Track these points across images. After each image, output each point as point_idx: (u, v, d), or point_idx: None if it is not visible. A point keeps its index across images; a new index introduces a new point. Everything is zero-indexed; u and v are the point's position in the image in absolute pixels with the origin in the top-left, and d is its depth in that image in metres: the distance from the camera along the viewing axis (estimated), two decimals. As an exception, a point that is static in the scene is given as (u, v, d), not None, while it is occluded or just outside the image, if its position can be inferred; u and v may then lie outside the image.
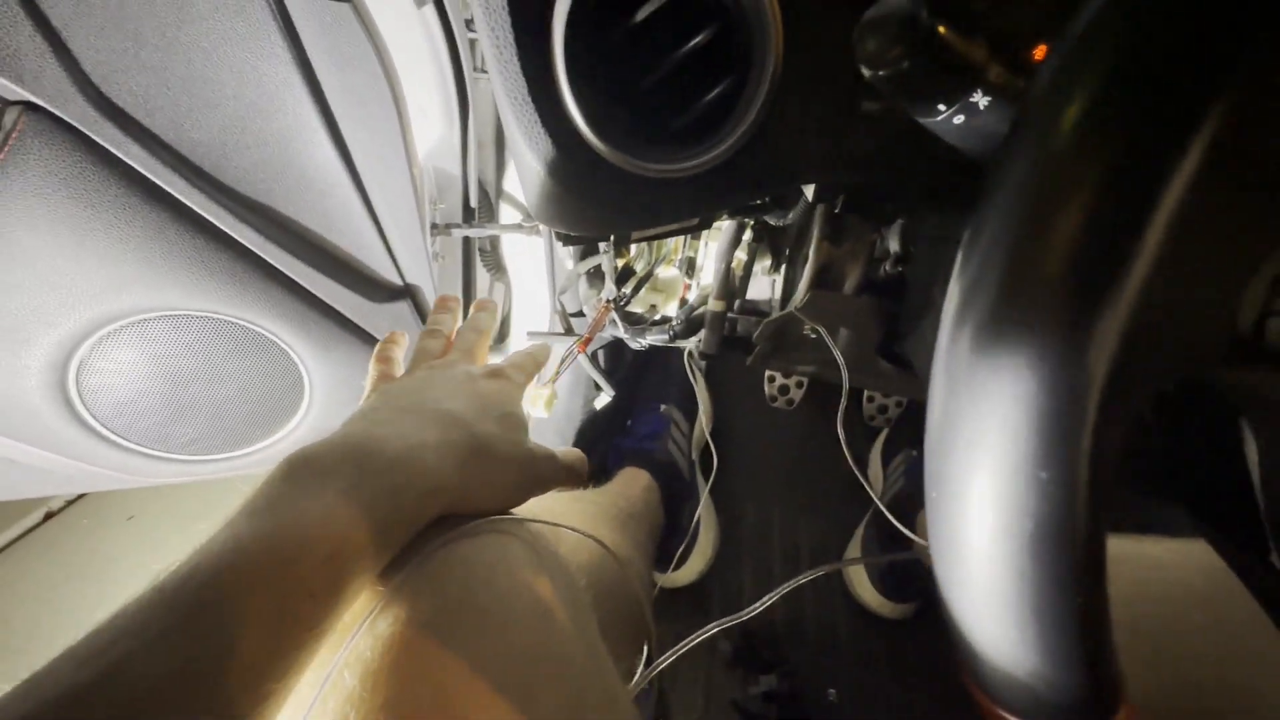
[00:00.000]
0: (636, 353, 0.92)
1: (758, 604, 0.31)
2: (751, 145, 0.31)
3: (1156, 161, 0.12)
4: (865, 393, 0.92)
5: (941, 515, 0.15)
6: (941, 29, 0.20)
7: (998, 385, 0.13)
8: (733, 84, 0.31)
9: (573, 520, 0.43)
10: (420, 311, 0.63)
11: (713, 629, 0.33)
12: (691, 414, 0.90)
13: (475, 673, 0.23)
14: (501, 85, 0.28)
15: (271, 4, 0.47)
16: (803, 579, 0.32)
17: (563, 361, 0.49)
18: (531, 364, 0.43)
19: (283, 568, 0.21)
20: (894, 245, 0.45)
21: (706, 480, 0.88)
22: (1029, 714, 0.16)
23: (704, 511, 0.82)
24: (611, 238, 0.39)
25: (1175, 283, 0.12)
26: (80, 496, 1.09)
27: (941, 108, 0.21)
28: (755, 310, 0.62)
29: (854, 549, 0.86)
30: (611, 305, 0.54)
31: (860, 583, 0.83)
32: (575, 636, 0.27)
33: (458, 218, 0.66)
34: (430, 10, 0.50)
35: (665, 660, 0.33)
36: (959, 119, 0.21)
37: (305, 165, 0.54)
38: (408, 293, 0.63)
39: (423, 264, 0.63)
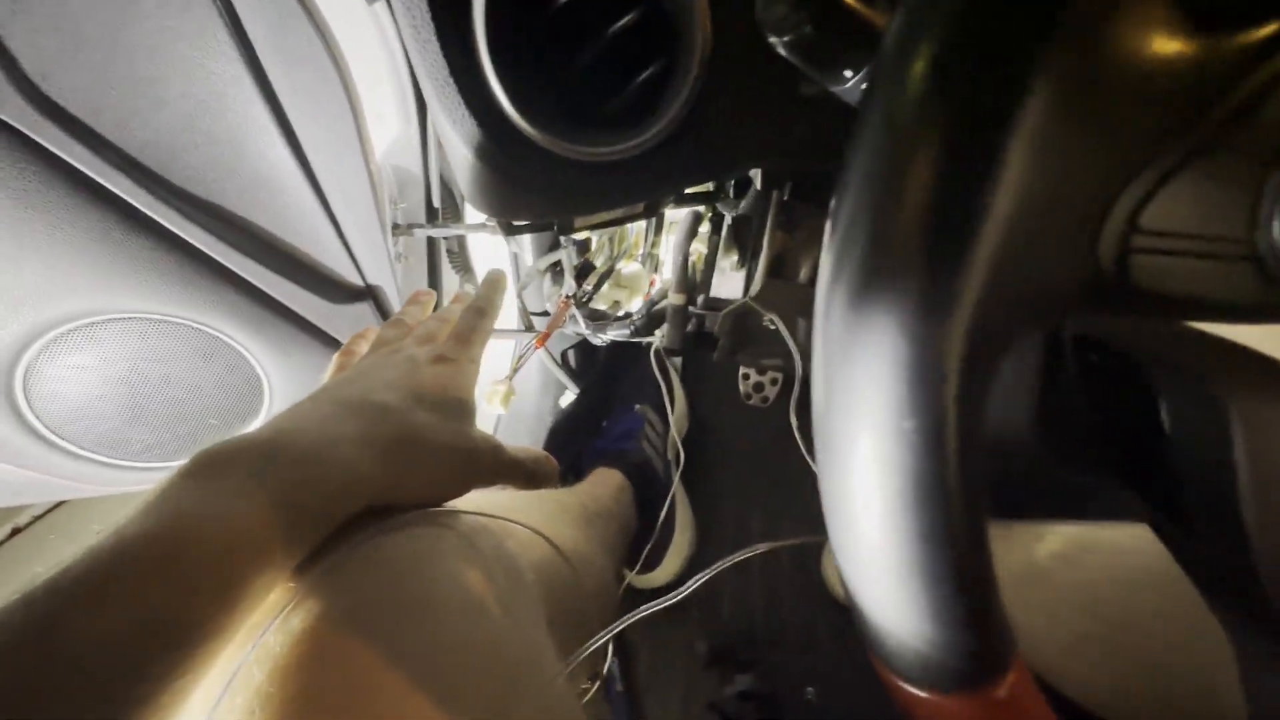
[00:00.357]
0: (610, 353, 0.91)
1: (692, 581, 0.30)
2: (685, 129, 0.31)
3: (996, 113, 0.12)
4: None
5: (827, 480, 0.15)
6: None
7: (865, 344, 0.13)
8: (664, 67, 0.30)
9: (529, 517, 0.42)
10: (383, 312, 0.62)
11: (645, 610, 0.32)
12: (666, 413, 0.89)
13: (392, 665, 0.22)
14: (423, 66, 0.27)
15: (217, 2, 0.46)
16: (738, 557, 0.32)
17: (520, 358, 0.48)
18: (480, 339, 0.41)
19: (162, 564, 0.20)
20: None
21: (686, 480, 0.87)
22: (921, 681, 0.15)
23: (679, 510, 0.82)
24: (555, 226, 0.38)
25: (1028, 229, 0.12)
26: (47, 512, 1.07)
27: (848, 74, 0.20)
28: (722, 306, 0.62)
29: (829, 547, 0.86)
30: (571, 301, 0.54)
31: (837, 580, 0.83)
32: (509, 627, 0.27)
33: (421, 218, 0.66)
34: (382, 7, 0.50)
35: (602, 639, 0.32)
36: (865, 86, 0.21)
37: (257, 164, 0.53)
38: (369, 293, 0.62)
39: (384, 264, 0.62)
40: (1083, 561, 0.55)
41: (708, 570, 0.30)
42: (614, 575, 0.57)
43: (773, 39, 0.21)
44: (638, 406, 0.86)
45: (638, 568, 0.77)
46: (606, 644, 0.56)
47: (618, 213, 0.36)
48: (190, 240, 0.51)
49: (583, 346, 0.81)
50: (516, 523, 0.37)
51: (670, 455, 0.89)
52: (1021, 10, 0.11)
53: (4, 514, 0.95)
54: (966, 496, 0.13)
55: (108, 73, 0.46)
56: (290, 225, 0.56)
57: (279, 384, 0.60)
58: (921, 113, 0.12)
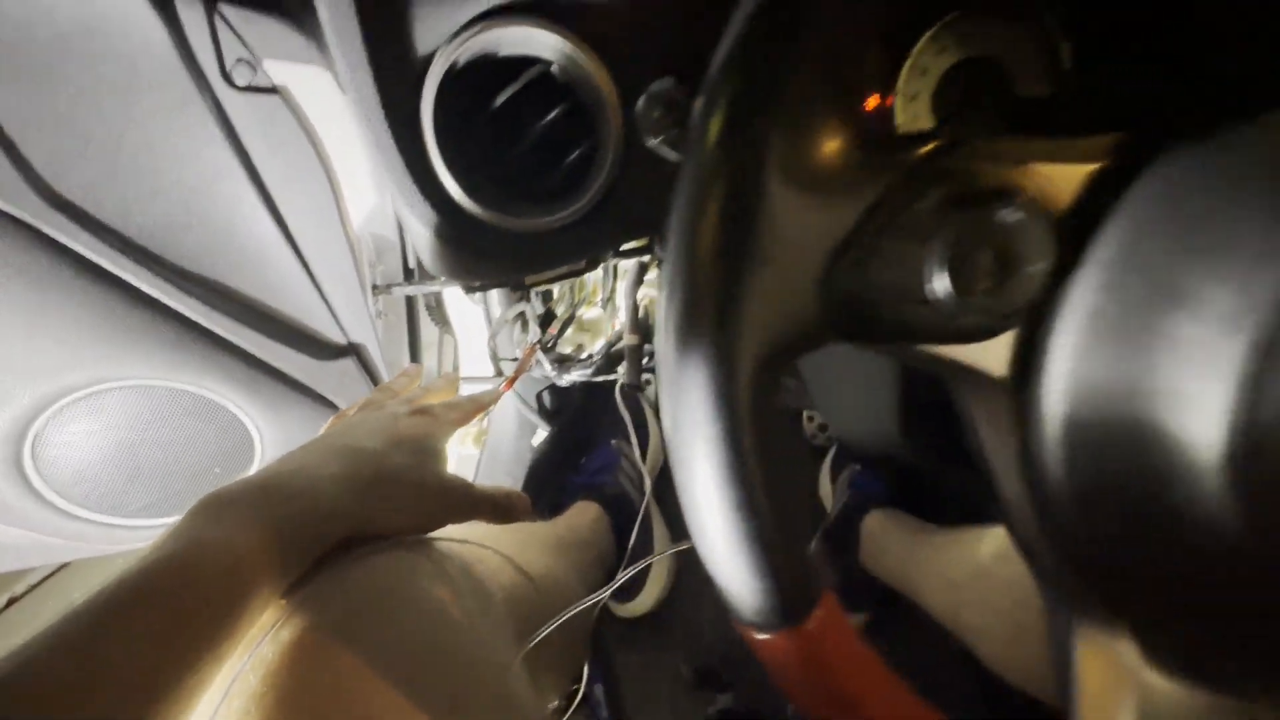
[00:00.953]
0: (585, 393, 0.96)
1: (622, 576, 0.34)
2: (609, 199, 0.37)
3: (750, 184, 0.17)
4: (804, 412, 0.97)
5: (676, 476, 0.19)
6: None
7: (683, 373, 0.17)
8: (589, 148, 0.36)
9: (499, 544, 0.46)
10: (366, 367, 0.67)
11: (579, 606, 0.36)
12: (644, 446, 0.94)
13: (369, 666, 0.26)
14: (381, 162, 0.33)
15: (209, 102, 0.53)
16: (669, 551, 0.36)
17: (490, 403, 0.53)
18: (470, 404, 0.46)
19: (179, 583, 0.24)
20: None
21: (663, 508, 0.91)
22: (753, 624, 0.19)
23: (657, 540, 0.85)
24: (509, 283, 0.44)
25: (784, 278, 0.17)
26: (44, 579, 1.09)
27: None
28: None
29: (807, 565, 0.89)
30: (537, 347, 0.59)
31: (814, 597, 0.86)
32: (470, 635, 0.31)
33: (399, 278, 0.71)
34: (353, 97, 0.56)
35: (542, 633, 0.36)
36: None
37: (246, 240, 0.59)
38: (353, 350, 0.67)
39: (366, 322, 0.67)
40: (1018, 557, 0.59)
41: (646, 560, 0.34)
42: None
43: (649, 141, 0.27)
44: (614, 442, 0.91)
45: (626, 598, 0.80)
46: (582, 666, 0.60)
47: (562, 270, 0.42)
48: (185, 312, 0.56)
49: (555, 388, 0.85)
50: (486, 548, 0.41)
51: (648, 486, 0.93)
52: (752, 109, 0.17)
53: (2, 581, 0.97)
54: (765, 479, 0.17)
55: (111, 168, 0.52)
56: (277, 292, 0.61)
57: (270, 438, 0.64)
58: (704, 188, 0.17)
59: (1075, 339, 0.17)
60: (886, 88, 0.48)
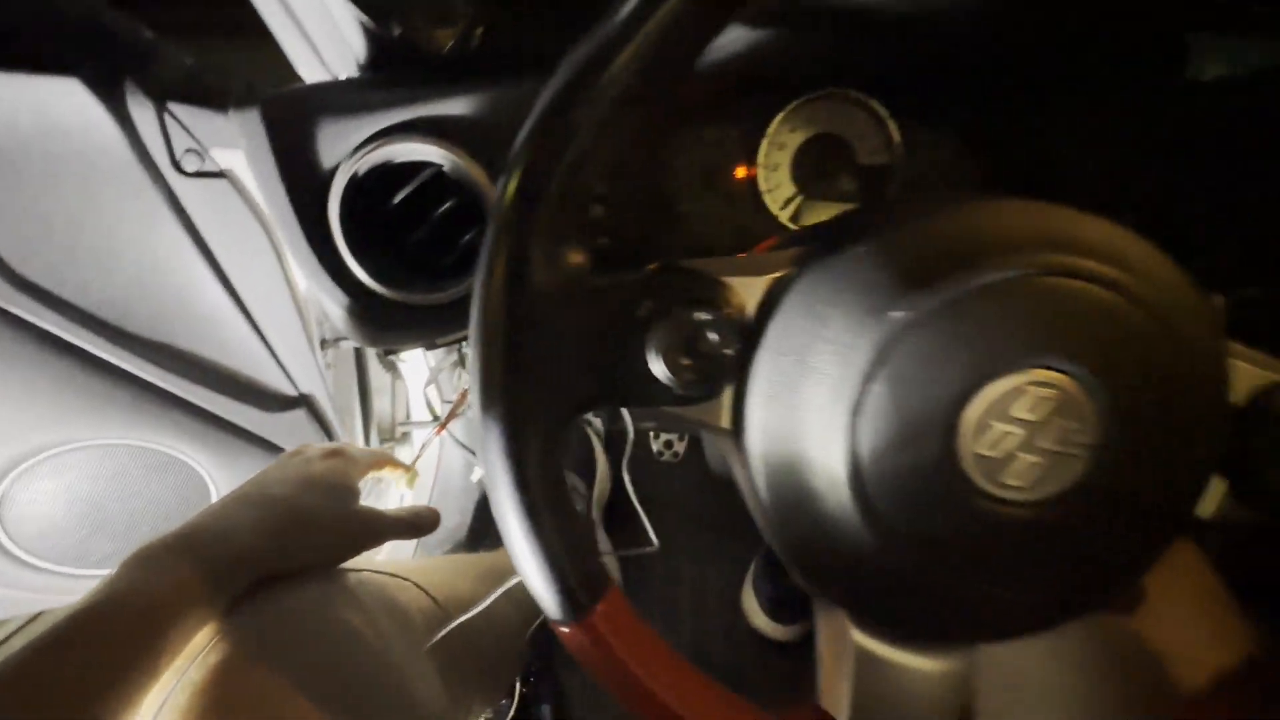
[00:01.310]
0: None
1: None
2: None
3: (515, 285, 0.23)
4: (651, 431, 1.04)
5: (490, 500, 0.25)
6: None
7: (485, 425, 0.24)
8: (478, 231, 0.43)
9: (437, 575, 0.52)
10: (316, 416, 0.72)
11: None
12: (590, 478, 0.99)
13: (283, 681, 0.32)
14: (298, 260, 0.39)
15: (161, 188, 0.59)
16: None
17: (424, 445, 0.58)
18: (381, 453, 0.53)
19: (99, 628, 0.30)
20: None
21: (614, 537, 0.96)
22: (556, 620, 0.25)
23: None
24: (422, 346, 0.50)
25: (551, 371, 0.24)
26: (19, 629, 1.12)
27: None
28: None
29: (747, 581, 0.95)
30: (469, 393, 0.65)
31: (752, 611, 0.91)
32: (381, 658, 0.36)
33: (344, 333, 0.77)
34: (293, 177, 0.63)
35: (443, 634, 0.42)
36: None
37: (199, 307, 0.64)
38: (304, 401, 0.73)
39: (315, 375, 0.73)
40: None
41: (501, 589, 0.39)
42: (520, 624, 0.66)
43: None
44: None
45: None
46: (513, 682, 0.64)
47: (462, 334, 0.48)
48: (142, 375, 0.61)
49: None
50: (408, 580, 0.47)
51: (596, 515, 0.98)
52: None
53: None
54: (549, 510, 0.23)
55: (71, 251, 0.58)
56: (230, 352, 0.67)
57: (225, 487, 0.69)
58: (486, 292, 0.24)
59: (760, 398, 0.24)
60: (750, 160, 0.56)
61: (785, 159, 0.55)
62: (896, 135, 0.51)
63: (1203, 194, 0.40)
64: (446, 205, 0.42)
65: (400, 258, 0.43)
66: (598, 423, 1.06)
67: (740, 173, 0.56)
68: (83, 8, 0.53)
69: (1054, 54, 0.43)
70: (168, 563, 0.33)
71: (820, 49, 0.47)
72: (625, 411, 0.40)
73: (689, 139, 0.53)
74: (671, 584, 1.00)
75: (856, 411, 0.21)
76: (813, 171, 0.55)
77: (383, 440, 0.92)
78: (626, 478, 0.52)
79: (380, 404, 0.90)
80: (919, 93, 0.50)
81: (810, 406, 0.22)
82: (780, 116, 0.54)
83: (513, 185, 0.23)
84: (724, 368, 0.23)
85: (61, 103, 0.53)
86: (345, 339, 0.75)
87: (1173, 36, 0.40)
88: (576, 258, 0.24)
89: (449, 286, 0.42)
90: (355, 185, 0.39)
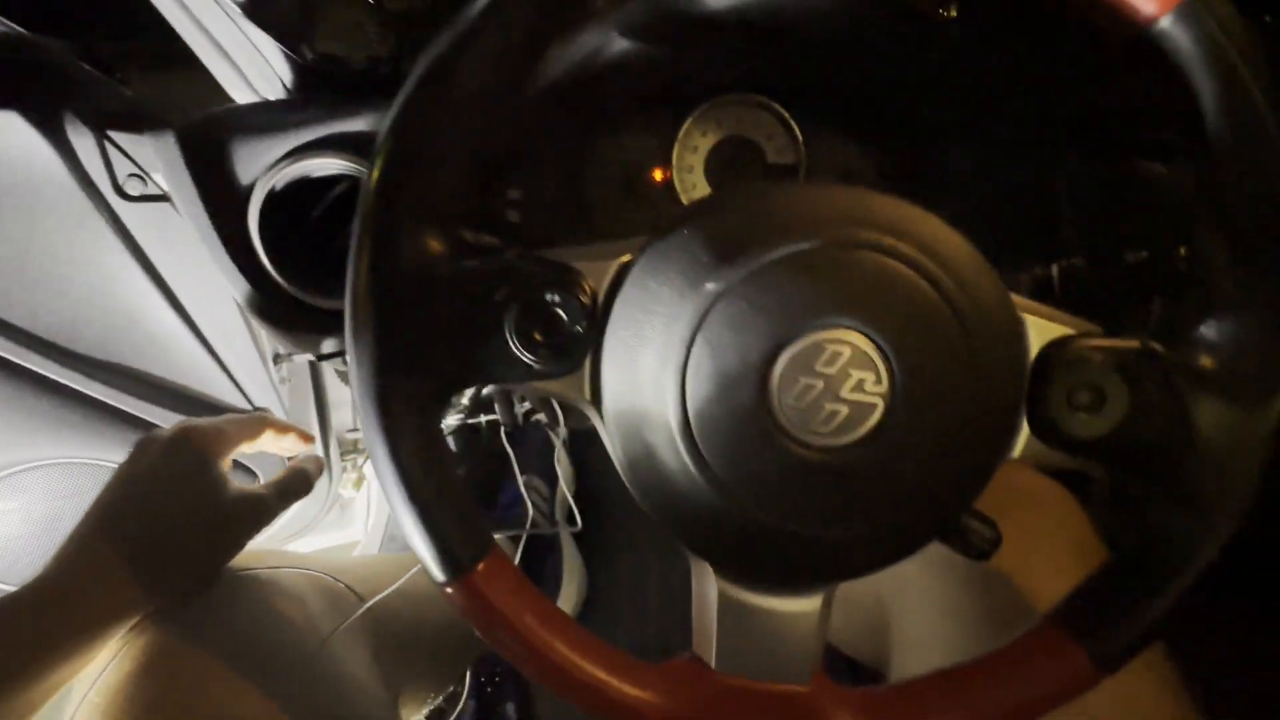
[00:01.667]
0: (494, 435, 1.04)
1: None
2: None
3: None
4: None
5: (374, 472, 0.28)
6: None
7: (363, 399, 0.26)
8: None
9: (356, 569, 0.54)
10: (269, 429, 0.74)
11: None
12: (551, 479, 1.01)
13: (191, 671, 0.34)
14: (223, 273, 0.42)
15: (105, 214, 0.61)
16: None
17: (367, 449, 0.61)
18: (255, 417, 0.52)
19: None
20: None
21: (579, 539, 0.98)
22: (437, 581, 0.27)
23: (566, 560, 0.92)
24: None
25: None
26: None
27: None
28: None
29: (709, 574, 0.97)
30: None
31: (714, 603, 0.93)
32: (301, 636, 0.38)
33: (300, 346, 0.79)
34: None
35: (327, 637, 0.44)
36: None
37: (149, 327, 0.66)
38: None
39: (269, 390, 0.75)
40: None
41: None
42: None
43: None
44: (523, 477, 0.99)
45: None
46: (463, 669, 0.66)
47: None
48: (94, 394, 0.63)
49: (466, 431, 0.93)
50: (319, 574, 0.48)
51: (560, 517, 1.00)
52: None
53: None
54: (423, 477, 0.26)
55: (19, 277, 0.60)
56: (182, 370, 0.69)
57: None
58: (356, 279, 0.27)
59: (610, 368, 0.26)
60: (666, 164, 0.59)
61: (699, 161, 0.58)
62: (800, 136, 0.55)
63: (1058, 183, 0.44)
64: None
65: (325, 265, 0.45)
66: (561, 428, 1.08)
67: (658, 176, 0.59)
68: (17, 44, 0.56)
69: (926, 62, 0.47)
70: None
71: (715, 57, 0.51)
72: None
73: (608, 146, 0.56)
74: (640, 582, 1.02)
75: (683, 373, 0.24)
76: (726, 172, 0.59)
77: (344, 453, 0.94)
78: (510, 451, 0.54)
79: (339, 417, 0.92)
80: (815, 96, 0.53)
81: (647, 372, 0.25)
82: (690, 120, 0.57)
83: (375, 175, 0.26)
84: (578, 345, 0.26)
85: (2, 137, 0.56)
86: (297, 353, 0.77)
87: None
88: (436, 245, 0.26)
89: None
90: (274, 199, 0.42)
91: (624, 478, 0.28)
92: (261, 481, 0.69)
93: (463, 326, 0.26)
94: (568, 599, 0.91)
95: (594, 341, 0.27)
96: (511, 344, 0.26)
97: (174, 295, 0.66)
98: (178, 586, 0.38)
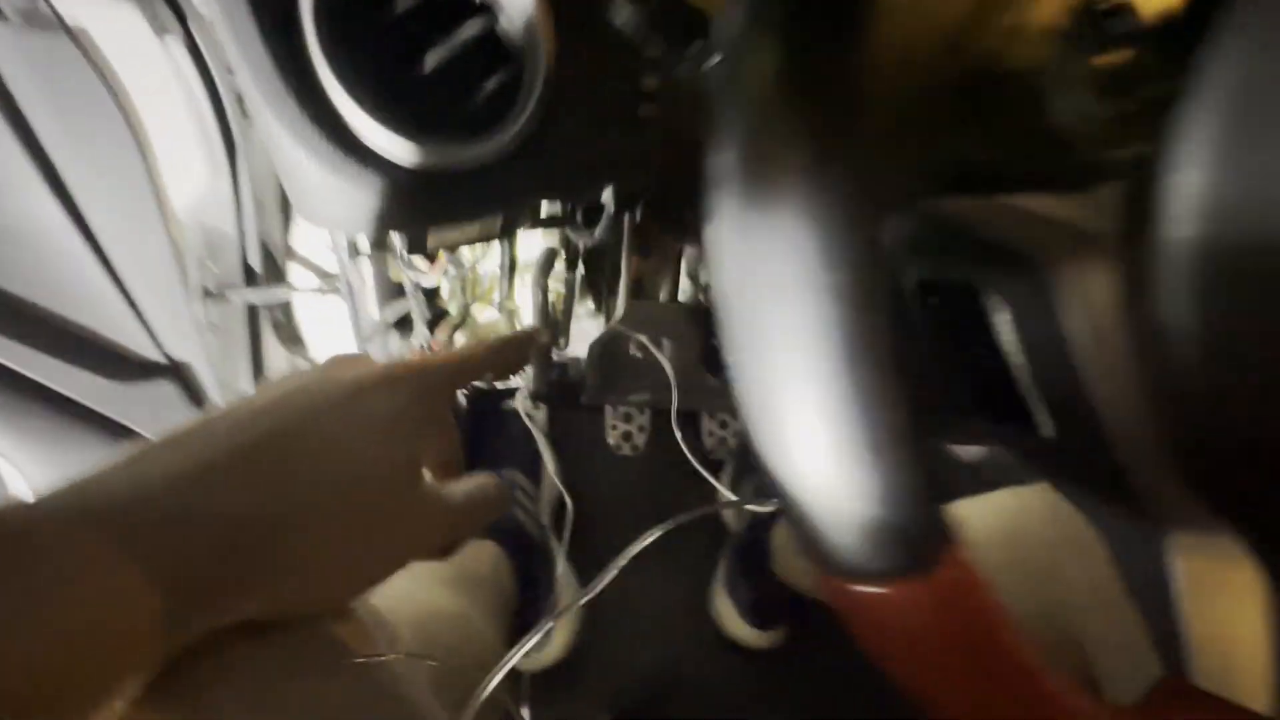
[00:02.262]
0: (470, 421, 0.86)
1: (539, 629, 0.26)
2: (535, 142, 0.31)
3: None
4: (705, 426, 0.95)
5: (748, 381, 0.14)
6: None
7: (772, 220, 0.13)
8: (510, 76, 0.30)
9: (400, 591, 0.37)
10: (189, 390, 0.53)
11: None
12: (536, 475, 0.85)
13: None
14: (252, 78, 0.25)
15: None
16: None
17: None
18: (492, 355, 0.26)
19: None
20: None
21: (563, 542, 0.82)
22: (865, 572, 0.14)
23: (562, 579, 0.77)
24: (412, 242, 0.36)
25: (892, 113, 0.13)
26: None
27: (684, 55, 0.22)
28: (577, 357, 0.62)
29: (718, 585, 0.85)
30: (425, 353, 0.50)
31: (729, 618, 0.82)
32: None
33: (237, 281, 0.58)
34: (175, 43, 0.45)
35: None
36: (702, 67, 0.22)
37: (19, 222, 0.44)
38: (172, 369, 0.53)
39: (192, 336, 0.54)
40: (977, 533, 0.59)
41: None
42: (502, 644, 0.51)
43: (618, 21, 0.23)
44: (504, 472, 0.82)
45: (534, 648, 0.70)
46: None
47: (472, 230, 0.35)
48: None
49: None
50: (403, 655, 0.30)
51: (546, 519, 0.84)
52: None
53: None
54: (894, 357, 0.13)
55: None
56: (64, 294, 0.47)
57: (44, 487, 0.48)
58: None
59: (1207, 152, 0.14)
60: None
61: None
62: None
63: None
64: (471, 31, 0.29)
65: (395, 101, 0.29)
66: (540, 416, 0.92)
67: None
68: None
69: None
70: (96, 558, 0.16)
71: None
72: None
73: None
74: (630, 590, 0.88)
75: None
76: None
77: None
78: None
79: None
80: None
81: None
82: None
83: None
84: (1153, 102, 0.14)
85: None
86: (235, 289, 0.57)
87: None
88: None
89: (469, 145, 0.29)
90: None
91: (1176, 370, 0.15)
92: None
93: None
94: (567, 623, 0.75)
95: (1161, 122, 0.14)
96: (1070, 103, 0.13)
97: (60, 181, 0.44)
98: (290, 599, 0.20)
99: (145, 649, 0.17)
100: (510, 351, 0.27)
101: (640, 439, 0.90)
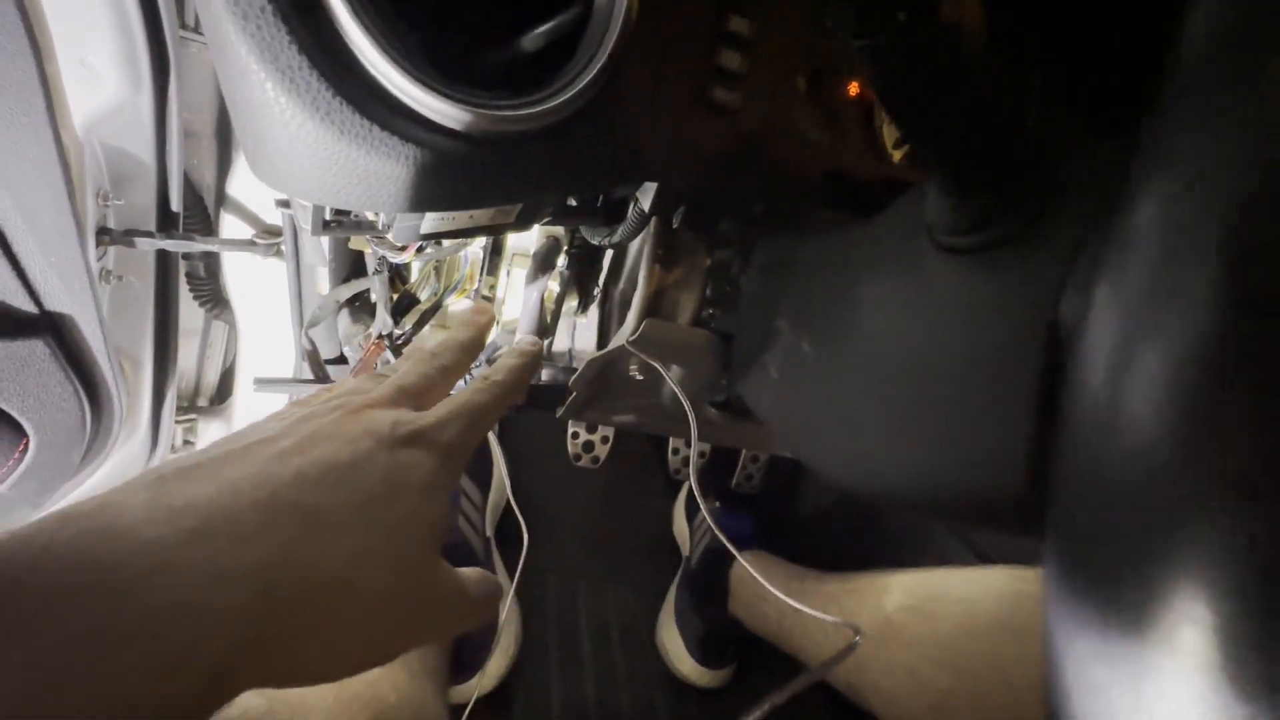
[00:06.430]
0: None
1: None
2: (593, 110, 0.24)
3: None
4: (670, 445, 0.89)
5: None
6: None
7: None
8: (573, 19, 0.23)
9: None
10: (66, 350, 0.42)
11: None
12: (485, 483, 0.77)
13: None
14: (235, 26, 0.16)
15: None
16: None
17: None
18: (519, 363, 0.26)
19: None
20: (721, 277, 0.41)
21: (508, 561, 0.75)
22: None
23: (502, 602, 0.69)
24: (383, 225, 0.27)
25: None
26: None
27: (901, 16, 0.15)
28: (561, 359, 0.54)
29: (667, 616, 0.80)
30: (385, 343, 0.41)
31: (676, 654, 0.77)
32: None
33: (149, 225, 0.47)
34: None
35: None
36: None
37: None
38: (47, 324, 0.41)
39: (79, 282, 0.42)
40: (933, 612, 0.56)
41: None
42: (443, 698, 0.44)
43: None
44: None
45: (468, 676, 0.62)
46: None
47: (485, 218, 0.27)
48: None
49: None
50: None
51: (490, 531, 0.76)
52: None
53: None
54: None
55: None
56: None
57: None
58: None
59: None
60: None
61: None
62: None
63: None
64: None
65: (410, 36, 0.21)
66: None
67: (853, 90, 0.41)
68: None
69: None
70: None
71: None
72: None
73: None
74: (568, 611, 0.82)
75: None
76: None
77: (181, 410, 0.60)
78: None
79: (183, 355, 0.58)
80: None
81: None
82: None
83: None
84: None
85: None
86: (143, 235, 0.45)
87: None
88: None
89: (523, 104, 0.22)
90: None
91: None
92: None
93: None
94: (505, 649, 0.67)
95: None
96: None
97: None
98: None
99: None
100: (521, 385, 0.26)
101: (602, 451, 0.83)
